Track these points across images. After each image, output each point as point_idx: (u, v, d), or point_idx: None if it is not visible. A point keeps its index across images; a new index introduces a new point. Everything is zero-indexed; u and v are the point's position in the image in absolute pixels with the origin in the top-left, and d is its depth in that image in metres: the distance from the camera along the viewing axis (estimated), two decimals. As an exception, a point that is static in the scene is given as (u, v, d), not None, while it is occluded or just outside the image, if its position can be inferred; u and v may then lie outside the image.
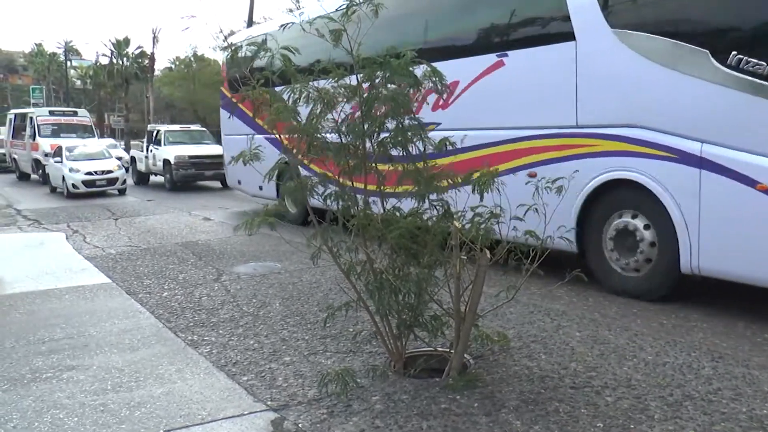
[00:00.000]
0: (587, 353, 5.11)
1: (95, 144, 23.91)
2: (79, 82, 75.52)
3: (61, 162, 20.30)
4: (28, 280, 8.16)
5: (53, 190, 21.53)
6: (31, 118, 26.41)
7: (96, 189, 19.75)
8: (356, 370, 4.72)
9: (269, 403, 4.33)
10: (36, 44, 78.46)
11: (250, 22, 27.81)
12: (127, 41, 57.23)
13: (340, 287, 6.12)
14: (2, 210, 16.51)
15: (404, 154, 4.57)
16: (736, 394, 4.30)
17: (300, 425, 3.97)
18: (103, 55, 61.20)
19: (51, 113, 27.63)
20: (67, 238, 11.54)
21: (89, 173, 19.75)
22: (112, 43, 57.03)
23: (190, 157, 21.42)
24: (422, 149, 4.65)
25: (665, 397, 4.24)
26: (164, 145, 22.36)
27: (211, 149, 21.97)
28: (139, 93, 61.43)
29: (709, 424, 3.88)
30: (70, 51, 68.67)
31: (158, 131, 23.32)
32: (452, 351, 4.71)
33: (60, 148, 21.36)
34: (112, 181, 20.18)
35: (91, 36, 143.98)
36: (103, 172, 20.03)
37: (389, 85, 4.42)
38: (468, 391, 4.35)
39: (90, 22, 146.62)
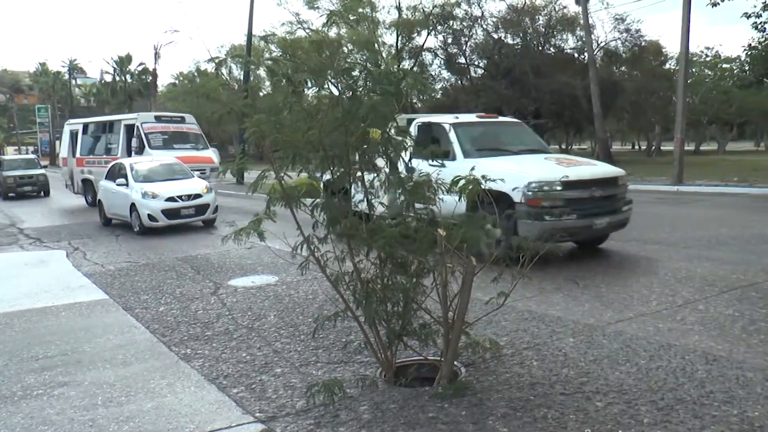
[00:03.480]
0: (580, 359, 5.07)
1: (167, 158, 17.07)
2: (83, 100, 75.98)
3: (127, 185, 14.75)
4: (26, 299, 8.17)
5: (108, 222, 16.05)
6: (128, 126, 20.83)
7: (181, 221, 14.41)
8: (346, 380, 4.71)
9: (257, 414, 4.32)
10: (40, 63, 79.00)
11: (250, 35, 28.02)
12: (129, 58, 57.68)
13: (327, 298, 6.11)
14: (5, 229, 16.56)
15: (388, 163, 4.57)
16: (728, 397, 4.26)
17: (287, 437, 3.95)
18: (107, 72, 61.65)
19: (157, 119, 21.44)
20: (67, 256, 11.57)
21: (171, 199, 14.24)
22: (115, 61, 57.43)
23: (573, 183, 8.86)
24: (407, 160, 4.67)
25: (656, 402, 4.20)
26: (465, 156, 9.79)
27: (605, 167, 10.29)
28: (143, 109, 61.78)
29: (699, 428, 3.84)
30: (74, 69, 69.18)
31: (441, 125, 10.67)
32: (443, 359, 4.69)
33: (120, 165, 15.86)
34: (200, 209, 14.65)
35: (94, 54, 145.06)
36: (189, 197, 14.45)
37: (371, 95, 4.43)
38: (457, 400, 4.32)
39: (93, 40, 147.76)
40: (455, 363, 4.82)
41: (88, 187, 22.08)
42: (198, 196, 14.59)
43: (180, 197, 14.36)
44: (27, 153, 62.99)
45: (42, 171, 28.45)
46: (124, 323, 6.84)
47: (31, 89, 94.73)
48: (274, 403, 4.50)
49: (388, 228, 4.50)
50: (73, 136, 23.89)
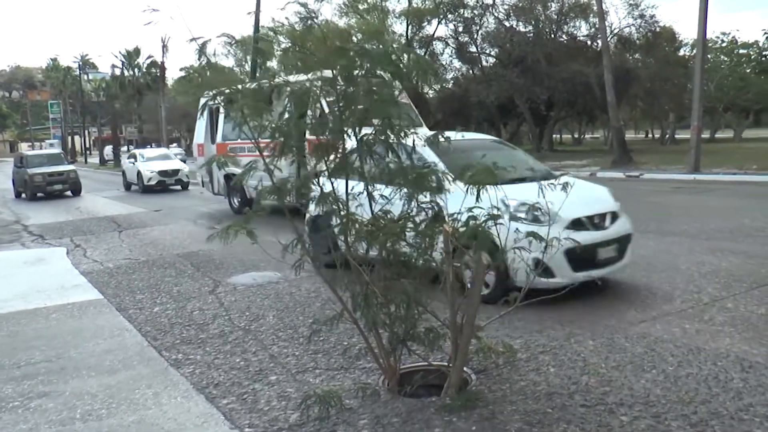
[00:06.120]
0: (601, 365, 4.65)
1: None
2: (94, 95, 75.96)
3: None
4: (19, 300, 7.81)
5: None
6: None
7: None
8: (346, 389, 4.32)
9: (247, 429, 3.93)
10: (52, 59, 79.13)
11: (257, 25, 27.59)
12: (137, 51, 57.37)
13: (330, 297, 5.70)
14: (9, 226, 16.29)
15: (389, 152, 4.15)
16: (769, 409, 3.82)
17: (277, 457, 3.57)
18: (116, 67, 61.45)
19: None
20: (67, 253, 11.22)
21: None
22: (123, 55, 57.15)
23: None
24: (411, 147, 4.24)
25: (688, 416, 3.77)
26: None
27: None
28: (153, 104, 61.47)
29: (739, 446, 3.42)
30: (85, 64, 69.04)
31: None
32: (451, 365, 4.28)
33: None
34: None
35: (105, 48, 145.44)
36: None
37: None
38: (466, 412, 3.92)
39: (105, 34, 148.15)
40: (465, 369, 4.41)
41: (234, 189, 16.10)
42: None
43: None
44: (41, 148, 62.74)
45: (72, 167, 25.60)
46: (115, 326, 6.48)
47: (44, 85, 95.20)
48: (266, 416, 4.11)
49: (390, 223, 4.10)
50: (213, 115, 16.54)
